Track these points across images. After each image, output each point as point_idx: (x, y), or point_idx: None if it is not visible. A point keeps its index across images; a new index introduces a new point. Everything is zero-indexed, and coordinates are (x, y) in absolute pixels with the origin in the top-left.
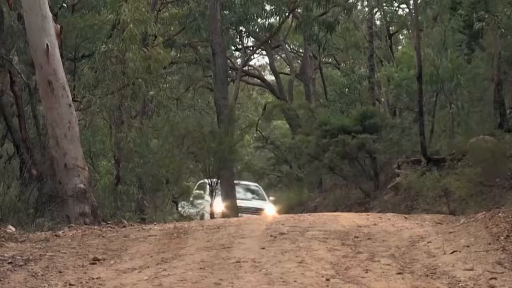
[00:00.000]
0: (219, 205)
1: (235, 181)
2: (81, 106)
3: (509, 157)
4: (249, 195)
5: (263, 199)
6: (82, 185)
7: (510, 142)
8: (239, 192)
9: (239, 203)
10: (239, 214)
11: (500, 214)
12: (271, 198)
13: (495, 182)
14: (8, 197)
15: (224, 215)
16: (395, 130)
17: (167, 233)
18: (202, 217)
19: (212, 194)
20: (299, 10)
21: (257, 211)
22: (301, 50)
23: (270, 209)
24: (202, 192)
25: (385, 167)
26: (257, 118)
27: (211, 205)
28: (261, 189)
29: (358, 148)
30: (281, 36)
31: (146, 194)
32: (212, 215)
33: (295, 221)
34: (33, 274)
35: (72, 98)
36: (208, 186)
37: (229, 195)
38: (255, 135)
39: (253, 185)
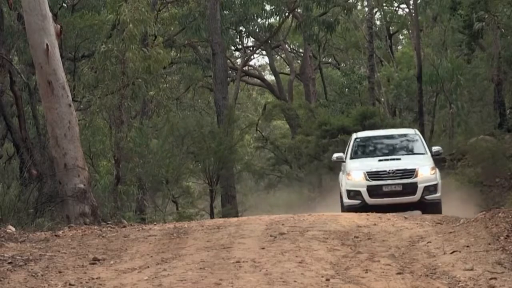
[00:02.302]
0: (357, 172)
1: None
2: (81, 106)
3: (509, 157)
4: (393, 150)
5: (421, 152)
6: (82, 185)
7: (510, 142)
8: (370, 151)
9: (369, 167)
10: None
11: (500, 214)
12: (437, 149)
13: (495, 182)
14: (8, 197)
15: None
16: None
17: (167, 233)
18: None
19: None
20: (299, 10)
21: (403, 175)
22: (301, 50)
23: (426, 169)
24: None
25: None
26: (257, 118)
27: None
28: (419, 135)
29: None
30: (281, 36)
31: (146, 194)
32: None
33: (295, 221)
34: (33, 274)
35: (72, 98)
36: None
37: (230, 195)
38: (255, 135)
39: (400, 132)
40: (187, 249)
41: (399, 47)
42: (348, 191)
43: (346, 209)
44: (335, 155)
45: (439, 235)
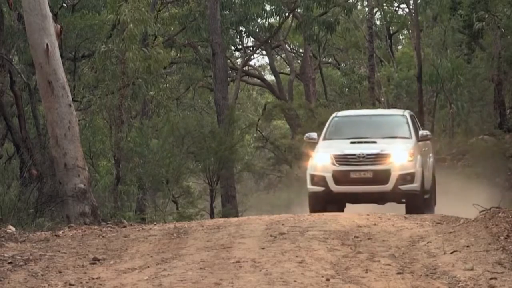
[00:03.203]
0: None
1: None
2: (81, 106)
3: (509, 157)
4: (372, 132)
5: (404, 136)
6: (82, 185)
7: (510, 142)
8: (349, 130)
9: (345, 150)
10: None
11: (500, 214)
12: (425, 133)
13: (495, 182)
14: (8, 197)
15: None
16: None
17: (167, 233)
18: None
19: None
20: (299, 10)
21: (375, 161)
22: (301, 50)
23: (402, 155)
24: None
25: None
26: (257, 118)
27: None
28: (408, 117)
29: None
30: (281, 36)
31: (146, 194)
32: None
33: (295, 221)
34: (33, 274)
35: (72, 98)
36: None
37: (230, 195)
38: (255, 135)
39: (387, 113)
40: (187, 249)
41: (399, 47)
42: (312, 176)
43: (310, 196)
44: (307, 135)
45: (439, 235)
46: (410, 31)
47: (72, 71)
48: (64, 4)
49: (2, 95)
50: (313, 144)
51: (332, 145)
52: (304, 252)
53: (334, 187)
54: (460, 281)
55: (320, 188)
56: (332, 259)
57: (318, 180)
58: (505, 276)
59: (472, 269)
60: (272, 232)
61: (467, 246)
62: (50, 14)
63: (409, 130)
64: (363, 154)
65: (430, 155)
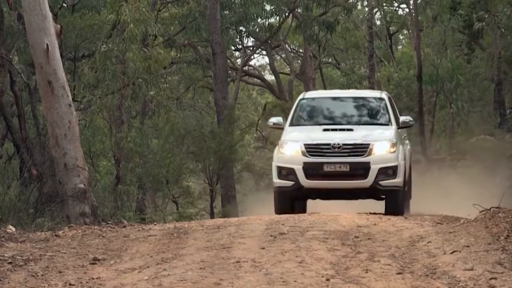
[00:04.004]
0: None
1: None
2: (81, 106)
3: (509, 156)
4: (347, 117)
5: (383, 122)
6: (82, 185)
7: (510, 142)
8: (323, 113)
9: (317, 138)
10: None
11: (500, 214)
12: (406, 119)
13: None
14: (8, 197)
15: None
16: None
17: (167, 233)
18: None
19: None
20: (299, 10)
21: (352, 152)
22: (301, 50)
23: (383, 146)
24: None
25: None
26: (257, 118)
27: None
28: (387, 100)
29: None
30: (281, 36)
31: (146, 194)
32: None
33: (295, 221)
34: (33, 274)
35: (72, 98)
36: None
37: (230, 195)
38: (255, 135)
39: (362, 95)
40: (187, 249)
41: (399, 47)
42: (279, 169)
43: (277, 192)
44: (272, 120)
45: (439, 235)
46: (410, 31)
47: (72, 71)
48: (64, 4)
49: (2, 95)
50: (280, 131)
51: (301, 133)
52: (304, 252)
53: (305, 182)
54: (460, 281)
55: (288, 183)
56: (332, 259)
57: (286, 173)
58: (505, 276)
59: (472, 269)
60: (272, 232)
61: (467, 246)
62: (50, 14)
63: (389, 115)
64: (338, 144)
65: (407, 142)
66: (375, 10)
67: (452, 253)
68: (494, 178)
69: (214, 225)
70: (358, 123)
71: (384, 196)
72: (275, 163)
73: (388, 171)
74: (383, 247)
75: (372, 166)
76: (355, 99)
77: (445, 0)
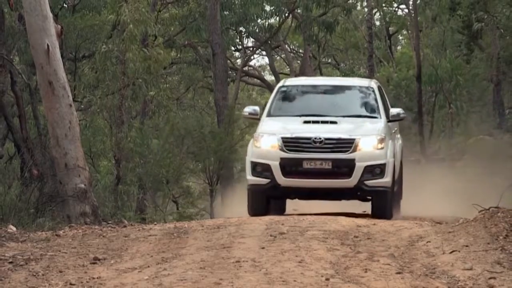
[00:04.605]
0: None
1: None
2: (82, 106)
3: (508, 157)
4: (331, 109)
5: (372, 115)
6: (82, 185)
7: (509, 142)
8: (303, 104)
9: (297, 131)
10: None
11: (499, 214)
12: (397, 111)
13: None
14: (9, 197)
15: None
16: None
17: (167, 232)
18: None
19: None
20: (298, 11)
21: (336, 148)
22: (300, 51)
23: (370, 141)
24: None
25: None
26: None
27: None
28: (376, 90)
29: None
30: (281, 37)
31: (146, 194)
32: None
33: (295, 221)
34: (34, 274)
35: (73, 98)
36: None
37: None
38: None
39: (350, 83)
40: (187, 249)
41: (399, 48)
42: (253, 164)
43: (250, 191)
44: (247, 109)
45: (438, 234)
46: (410, 31)
47: (73, 72)
48: (64, 5)
49: (3, 95)
50: (256, 122)
51: (279, 124)
52: (304, 252)
53: (282, 180)
54: (459, 280)
55: (263, 180)
56: (332, 258)
57: (261, 169)
58: (504, 276)
59: (471, 269)
60: (272, 232)
61: (466, 246)
62: (50, 15)
63: (378, 107)
64: (320, 138)
65: (398, 136)
66: (374, 10)
67: (451, 252)
68: (493, 178)
69: (214, 225)
70: (343, 115)
71: (370, 198)
72: (249, 158)
73: (375, 170)
74: (382, 247)
75: (357, 164)
76: (341, 88)
77: (444, 0)
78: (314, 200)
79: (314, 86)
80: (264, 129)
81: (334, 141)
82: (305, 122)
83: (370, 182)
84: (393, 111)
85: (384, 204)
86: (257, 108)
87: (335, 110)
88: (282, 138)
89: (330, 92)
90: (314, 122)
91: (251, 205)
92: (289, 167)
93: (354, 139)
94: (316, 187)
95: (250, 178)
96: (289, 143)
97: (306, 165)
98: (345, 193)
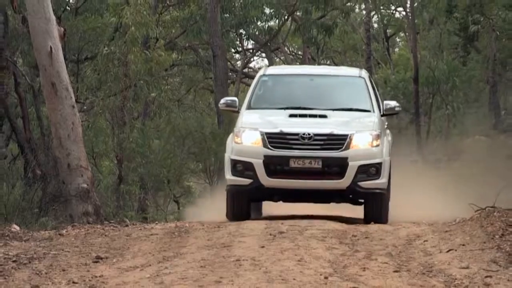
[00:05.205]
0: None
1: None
2: (84, 107)
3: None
4: (319, 101)
5: (364, 108)
6: (85, 185)
7: (505, 142)
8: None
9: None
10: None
11: (495, 213)
12: (391, 104)
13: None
14: (13, 197)
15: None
16: (392, 131)
17: (169, 232)
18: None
19: None
20: (298, 13)
21: (326, 145)
22: (300, 53)
23: (364, 137)
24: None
25: None
26: None
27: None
28: (366, 80)
29: None
30: (280, 39)
31: (148, 193)
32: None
33: (294, 220)
34: (37, 272)
35: (76, 100)
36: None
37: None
38: None
39: (337, 73)
40: (188, 248)
41: (396, 50)
42: (234, 162)
43: (230, 192)
44: (224, 100)
45: (435, 233)
46: (407, 33)
47: (75, 73)
48: (67, 8)
49: (7, 96)
50: (235, 115)
51: (262, 118)
52: (303, 251)
53: (266, 180)
54: (456, 279)
55: (245, 181)
56: (330, 257)
57: (242, 168)
58: (500, 274)
59: (467, 267)
60: (271, 231)
61: (463, 245)
62: (53, 17)
63: (370, 99)
64: (308, 134)
65: (388, 132)
66: (372, 13)
67: (448, 251)
68: (489, 178)
69: (215, 224)
70: (332, 108)
71: (363, 200)
72: (228, 155)
73: (370, 170)
74: (380, 246)
75: (350, 163)
76: (329, 77)
77: (441, 3)
78: (301, 202)
79: (299, 76)
80: (246, 123)
81: (324, 137)
82: (291, 115)
83: (365, 184)
84: (389, 104)
85: (379, 207)
86: (235, 99)
87: (323, 103)
88: (266, 133)
89: (316, 82)
90: (301, 115)
91: (230, 208)
92: (274, 166)
93: (347, 135)
94: (304, 188)
95: (230, 177)
96: (274, 139)
97: (293, 164)
98: (336, 195)
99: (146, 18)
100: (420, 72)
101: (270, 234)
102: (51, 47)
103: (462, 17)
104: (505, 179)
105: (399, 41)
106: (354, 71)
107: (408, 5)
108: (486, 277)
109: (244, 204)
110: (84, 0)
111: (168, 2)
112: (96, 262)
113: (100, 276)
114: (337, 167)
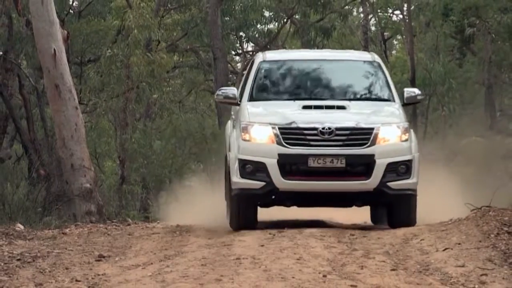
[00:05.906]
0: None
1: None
2: (87, 108)
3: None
4: (331, 90)
5: (384, 97)
6: (88, 185)
7: (500, 143)
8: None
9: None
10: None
11: (490, 213)
12: (413, 92)
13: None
14: (17, 196)
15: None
16: None
17: (170, 231)
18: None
19: None
20: (297, 17)
21: (349, 140)
22: None
23: (393, 131)
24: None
25: None
26: None
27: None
28: (381, 64)
29: None
30: (280, 41)
31: (149, 193)
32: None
33: (294, 219)
34: (41, 271)
35: (79, 101)
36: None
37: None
38: None
39: (348, 57)
40: (189, 247)
41: (393, 52)
42: (243, 163)
43: (237, 197)
44: (221, 91)
45: (432, 233)
46: (404, 36)
47: (79, 75)
48: (70, 11)
49: (11, 98)
50: (235, 109)
51: (271, 111)
52: (302, 249)
53: (281, 182)
54: (452, 277)
55: (257, 184)
56: (329, 256)
57: (253, 169)
58: (495, 273)
59: (463, 266)
60: (271, 230)
61: (459, 244)
62: (57, 20)
63: (389, 87)
64: (329, 128)
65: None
66: (370, 16)
67: (444, 250)
68: (485, 178)
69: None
70: (349, 97)
71: (391, 202)
72: (235, 154)
73: (400, 168)
74: (377, 245)
75: (377, 161)
76: (339, 62)
77: (438, 6)
78: (319, 207)
79: (306, 61)
80: (253, 116)
81: (347, 132)
82: (305, 107)
83: (394, 184)
84: (409, 91)
85: (408, 211)
86: (234, 90)
87: (337, 92)
88: (280, 128)
89: (325, 68)
90: (316, 107)
91: (235, 215)
92: (290, 166)
93: (372, 129)
94: (325, 191)
95: (238, 180)
96: (289, 135)
97: (312, 163)
98: (360, 198)
99: (149, 21)
100: (417, 74)
101: (270, 233)
102: (54, 50)
103: (458, 20)
104: (500, 179)
105: (396, 44)
106: (365, 55)
107: (405, 9)
108: (482, 275)
109: (252, 210)
110: (87, 4)
111: (169, 6)
112: (99, 260)
113: (102, 274)
114: (363, 166)
